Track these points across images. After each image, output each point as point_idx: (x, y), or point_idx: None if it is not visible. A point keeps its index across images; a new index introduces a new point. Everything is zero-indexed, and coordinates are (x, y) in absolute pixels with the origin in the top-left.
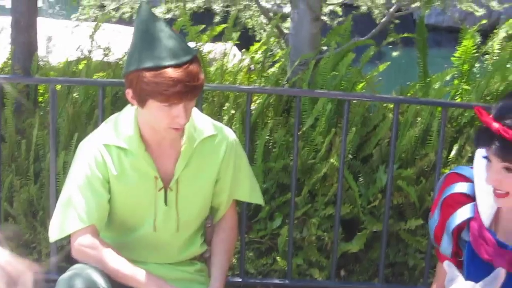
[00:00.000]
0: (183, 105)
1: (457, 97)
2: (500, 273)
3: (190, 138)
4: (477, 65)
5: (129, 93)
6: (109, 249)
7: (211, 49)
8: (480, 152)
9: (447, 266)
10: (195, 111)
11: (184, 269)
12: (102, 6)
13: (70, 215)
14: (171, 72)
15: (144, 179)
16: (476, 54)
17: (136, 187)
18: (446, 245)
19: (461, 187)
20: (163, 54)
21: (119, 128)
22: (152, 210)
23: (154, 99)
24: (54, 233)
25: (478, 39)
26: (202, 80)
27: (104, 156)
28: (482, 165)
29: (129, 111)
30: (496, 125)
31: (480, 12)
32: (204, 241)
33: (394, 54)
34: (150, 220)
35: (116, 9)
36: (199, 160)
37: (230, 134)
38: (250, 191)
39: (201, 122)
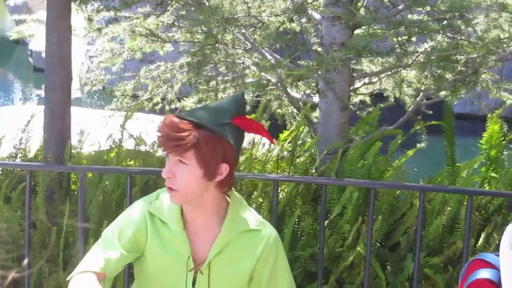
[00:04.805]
0: (171, 159)
1: (485, 185)
2: None
3: (230, 226)
4: (505, 152)
5: None
6: None
7: None
8: (505, 237)
9: None
10: (243, 204)
11: None
12: (135, 97)
13: (91, 258)
14: (167, 118)
15: (177, 256)
16: (503, 141)
17: (168, 261)
18: None
19: (485, 273)
20: (190, 111)
21: (165, 201)
22: None
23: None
24: (74, 272)
25: (505, 125)
26: (180, 135)
27: (147, 222)
28: (507, 250)
29: None
30: None
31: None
32: None
33: (422, 143)
34: None
35: (149, 100)
36: (235, 251)
37: (273, 234)
38: None
39: (247, 215)
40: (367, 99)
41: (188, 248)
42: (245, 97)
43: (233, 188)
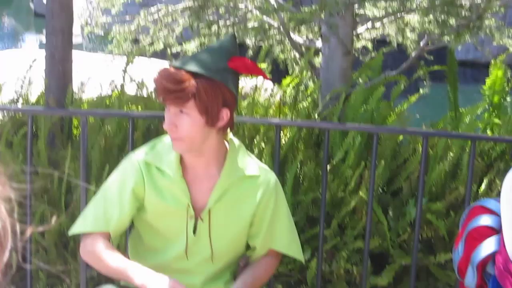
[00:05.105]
0: (171, 110)
1: (488, 131)
2: None
3: (229, 172)
4: (508, 99)
5: None
6: (113, 252)
7: (244, 85)
8: (507, 183)
9: None
10: (242, 149)
11: None
12: (136, 41)
13: (91, 216)
14: (164, 70)
15: (177, 204)
16: (507, 87)
17: (168, 210)
18: (470, 279)
19: (486, 220)
20: (186, 60)
21: (163, 150)
22: (182, 237)
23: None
24: (75, 228)
25: (509, 72)
26: (179, 87)
27: (143, 173)
28: (508, 196)
29: None
30: None
31: None
32: (232, 278)
33: (425, 88)
34: (179, 246)
35: (150, 44)
36: (235, 197)
37: (273, 180)
38: (289, 243)
39: (246, 161)
40: (370, 44)
41: (188, 195)
42: (236, 37)
43: (232, 134)
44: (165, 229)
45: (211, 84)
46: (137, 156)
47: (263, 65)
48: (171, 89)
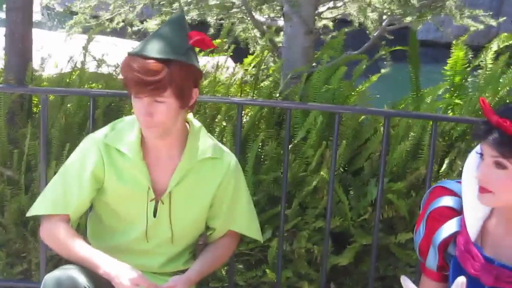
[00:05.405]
0: (145, 100)
1: (449, 111)
2: (459, 282)
3: (190, 155)
4: (470, 79)
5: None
6: (75, 238)
7: (205, 63)
8: (469, 164)
9: (403, 281)
10: (202, 131)
11: (166, 279)
12: (95, 17)
13: (51, 198)
14: (132, 60)
15: (137, 187)
16: (468, 68)
17: (128, 193)
18: (432, 259)
19: (447, 201)
20: (149, 46)
21: (124, 131)
22: (143, 219)
23: (125, 86)
24: (34, 209)
25: (470, 53)
26: (155, 79)
27: (103, 155)
28: (470, 177)
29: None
30: (496, 117)
31: (475, 27)
32: (192, 257)
33: (387, 68)
34: (139, 228)
35: (110, 20)
36: (196, 179)
37: (233, 162)
38: (248, 224)
39: (206, 143)
40: (330, 24)
41: (148, 178)
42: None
43: (192, 116)
44: (125, 211)
45: (183, 68)
46: (97, 137)
47: (217, 41)
48: (148, 81)
